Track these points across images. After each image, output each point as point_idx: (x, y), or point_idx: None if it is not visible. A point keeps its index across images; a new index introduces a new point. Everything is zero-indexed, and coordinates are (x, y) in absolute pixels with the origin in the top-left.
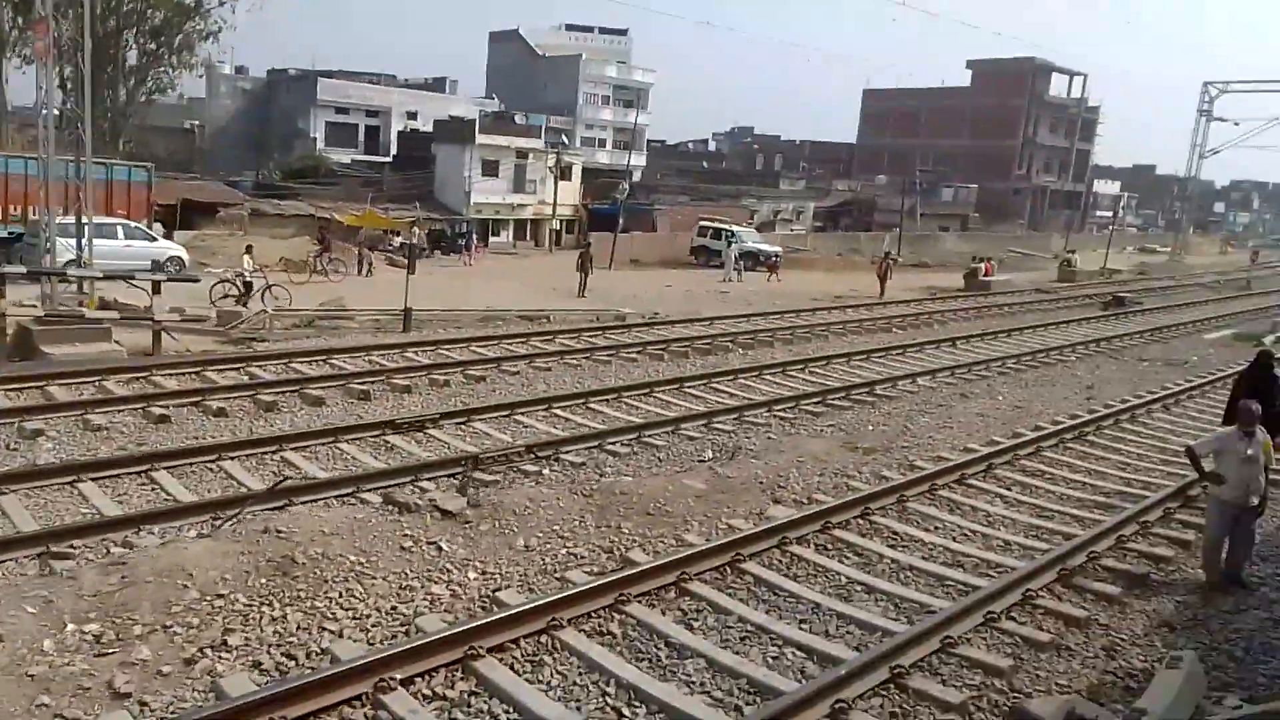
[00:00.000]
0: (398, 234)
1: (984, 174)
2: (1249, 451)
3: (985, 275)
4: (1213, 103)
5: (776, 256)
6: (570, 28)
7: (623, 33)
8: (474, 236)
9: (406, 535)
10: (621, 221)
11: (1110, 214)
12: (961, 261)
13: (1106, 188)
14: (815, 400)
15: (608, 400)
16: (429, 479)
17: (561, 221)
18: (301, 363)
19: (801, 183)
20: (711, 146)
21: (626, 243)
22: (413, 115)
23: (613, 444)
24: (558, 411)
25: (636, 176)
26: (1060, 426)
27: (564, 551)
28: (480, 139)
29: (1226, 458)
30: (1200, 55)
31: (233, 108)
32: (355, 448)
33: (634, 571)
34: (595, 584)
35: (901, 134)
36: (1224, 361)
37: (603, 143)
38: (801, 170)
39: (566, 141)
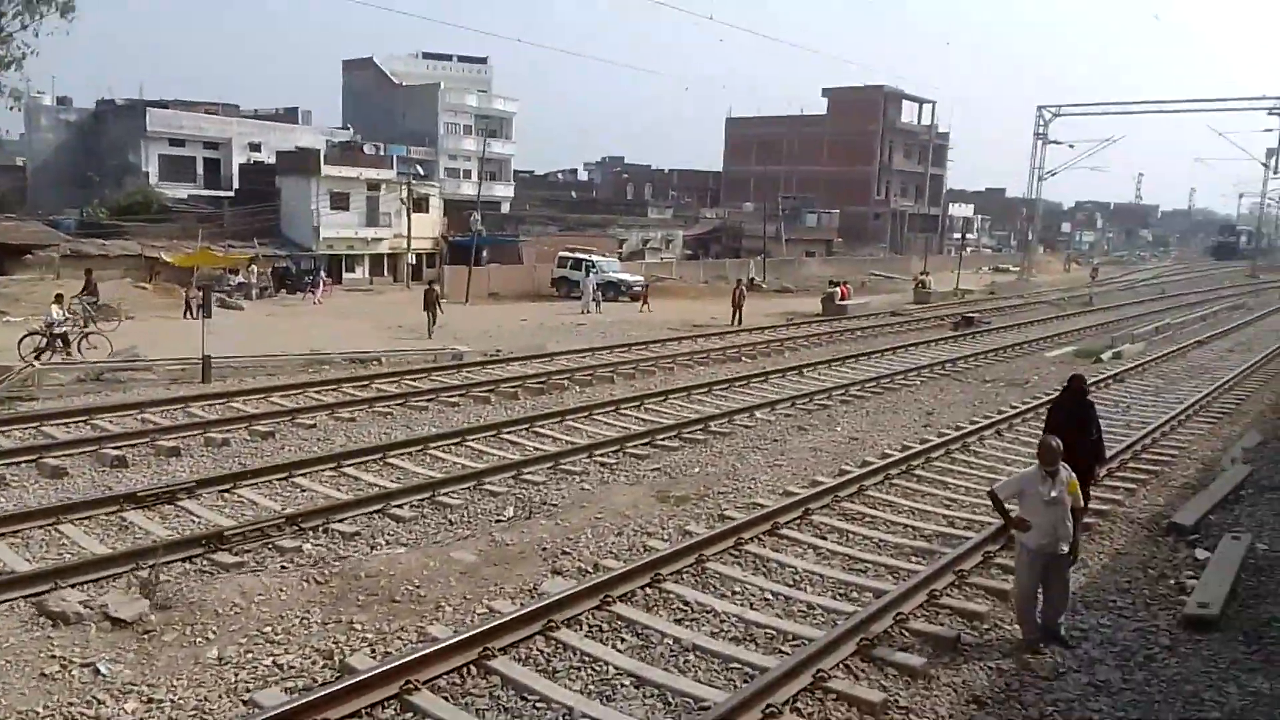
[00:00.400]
0: (237, 272)
1: (845, 199)
2: (1052, 493)
3: (842, 299)
4: (1047, 126)
5: (640, 286)
6: (428, 56)
7: (482, 61)
8: (323, 273)
9: (55, 657)
10: (484, 254)
11: (963, 236)
12: (824, 286)
13: (961, 210)
14: (643, 441)
15: (410, 453)
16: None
17: (420, 255)
18: (55, 425)
19: (669, 211)
20: (584, 176)
21: (485, 276)
22: (256, 147)
23: (399, 506)
24: (348, 470)
25: (505, 208)
26: (889, 460)
27: (268, 662)
28: (327, 170)
29: (1029, 501)
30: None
31: (56, 141)
32: (80, 530)
33: (344, 686)
34: (287, 707)
35: (765, 161)
36: (1063, 379)
37: (467, 173)
38: (670, 199)
39: (422, 172)
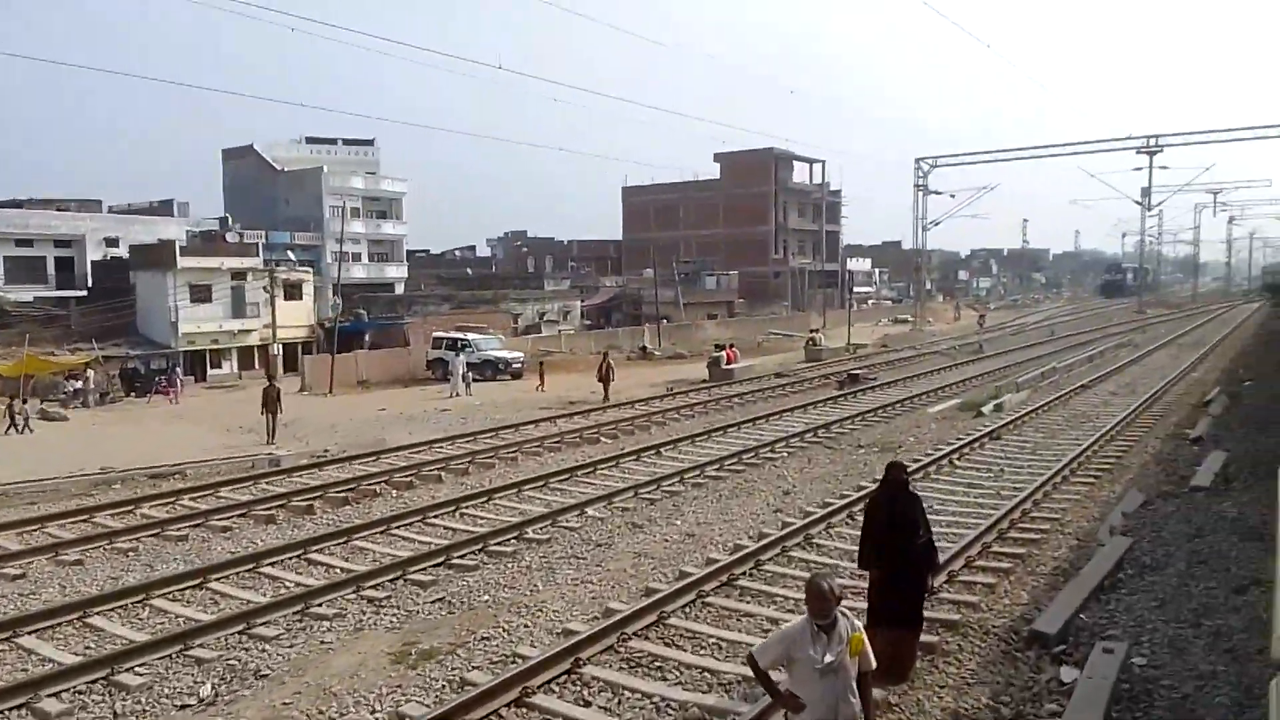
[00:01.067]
0: (77, 377)
1: (745, 260)
2: (828, 658)
3: (728, 363)
4: (927, 177)
5: (519, 363)
6: (311, 140)
7: (369, 143)
8: (177, 371)
9: None
10: (367, 338)
11: (867, 289)
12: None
13: (859, 264)
14: (435, 563)
15: (125, 607)
16: None
17: (295, 344)
18: None
19: (566, 282)
20: (487, 252)
21: (354, 363)
22: (113, 242)
23: (53, 694)
24: (22, 641)
25: (399, 288)
26: (712, 567)
27: None
28: (185, 262)
29: (800, 669)
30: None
31: None
32: None
33: None
34: None
35: (664, 227)
36: (940, 439)
37: (357, 256)
38: (570, 269)
39: (293, 257)
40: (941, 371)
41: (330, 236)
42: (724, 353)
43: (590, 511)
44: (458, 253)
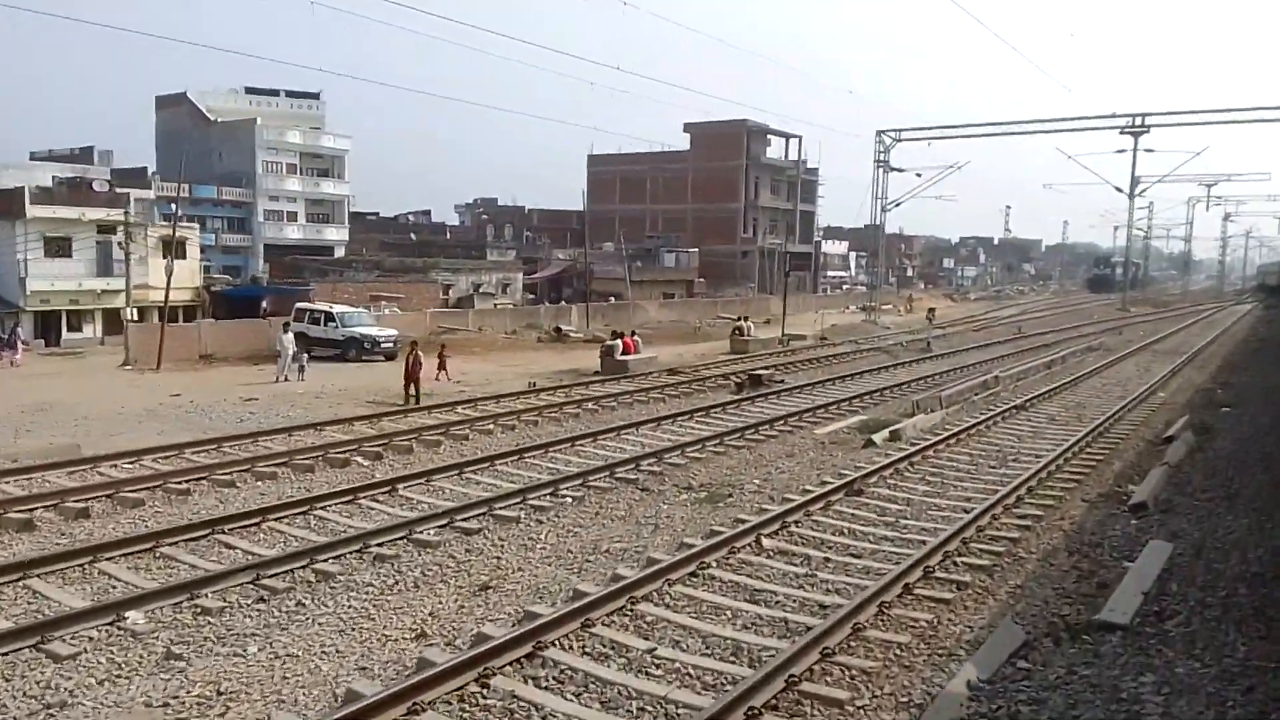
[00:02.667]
0: None
1: (712, 237)
2: None
3: (625, 353)
4: (889, 151)
5: (391, 342)
6: (251, 91)
7: (314, 96)
8: (18, 332)
9: None
10: (265, 304)
11: (841, 274)
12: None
13: (835, 247)
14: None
15: None
16: None
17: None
18: None
19: (512, 252)
20: (455, 219)
21: (197, 334)
22: None
23: None
24: None
25: (339, 252)
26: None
27: None
28: (37, 211)
29: None
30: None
31: None
32: None
33: None
34: None
35: (630, 199)
36: (793, 482)
37: (293, 216)
38: (526, 239)
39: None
40: (868, 375)
41: (263, 194)
42: (619, 341)
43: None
44: (411, 217)
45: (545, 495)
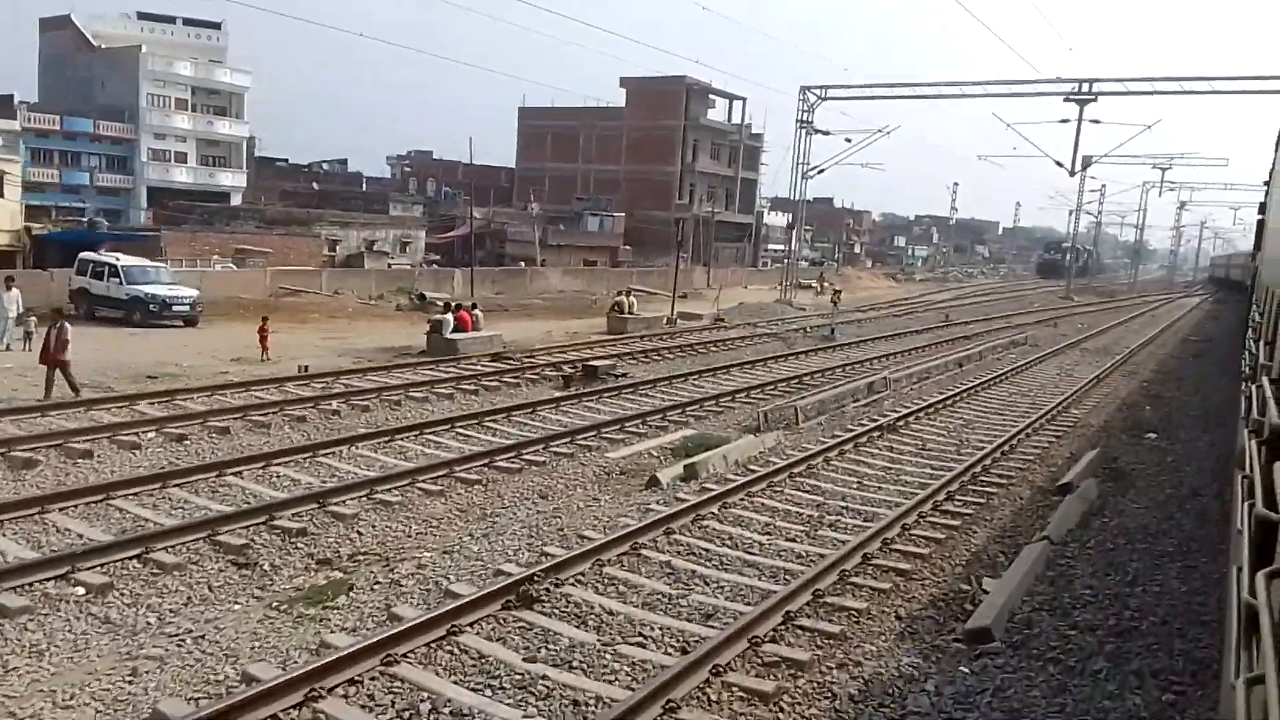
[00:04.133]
0: None
1: (645, 202)
2: None
3: (460, 330)
4: (813, 111)
5: (186, 303)
6: (144, 16)
7: (215, 26)
8: None
9: None
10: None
11: (783, 247)
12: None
13: (778, 219)
14: None
15: None
16: None
17: None
18: None
19: (419, 208)
20: (386, 173)
21: None
22: None
23: None
24: None
25: (236, 199)
26: None
27: None
28: None
29: None
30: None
31: None
32: None
33: None
34: None
35: (561, 158)
36: (490, 564)
37: (182, 156)
38: (444, 195)
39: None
40: (741, 369)
41: (147, 130)
42: (448, 316)
43: None
44: (325, 165)
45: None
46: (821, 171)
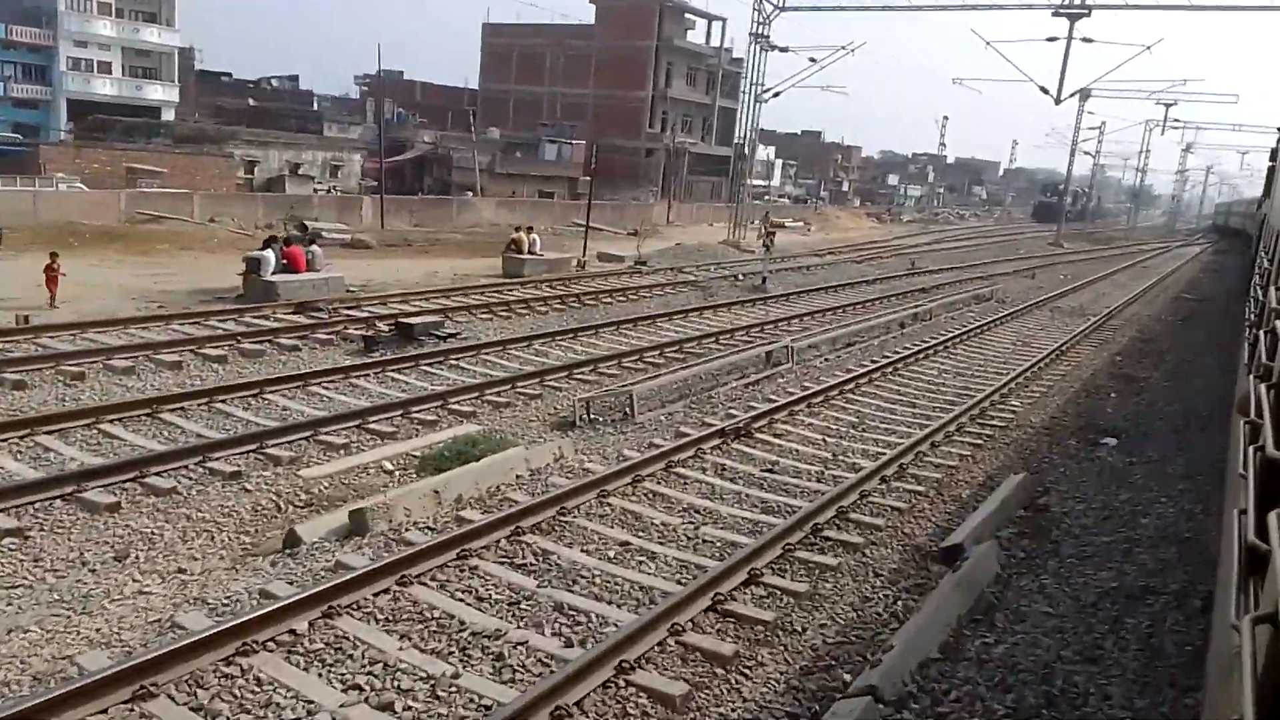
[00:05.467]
0: None
1: (614, 130)
2: None
3: (292, 269)
4: (769, 23)
5: None
6: None
7: None
8: None
9: None
10: None
11: (763, 183)
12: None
13: (760, 153)
14: None
15: None
16: None
17: None
18: None
19: (357, 129)
20: (355, 92)
21: None
22: None
23: None
24: None
25: (168, 115)
26: None
27: None
28: None
29: None
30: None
31: None
32: None
33: None
34: None
35: (526, 79)
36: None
37: (106, 66)
38: (395, 117)
39: None
40: (616, 330)
41: (66, 37)
42: (269, 253)
43: None
44: (274, 82)
45: None
46: (777, 94)
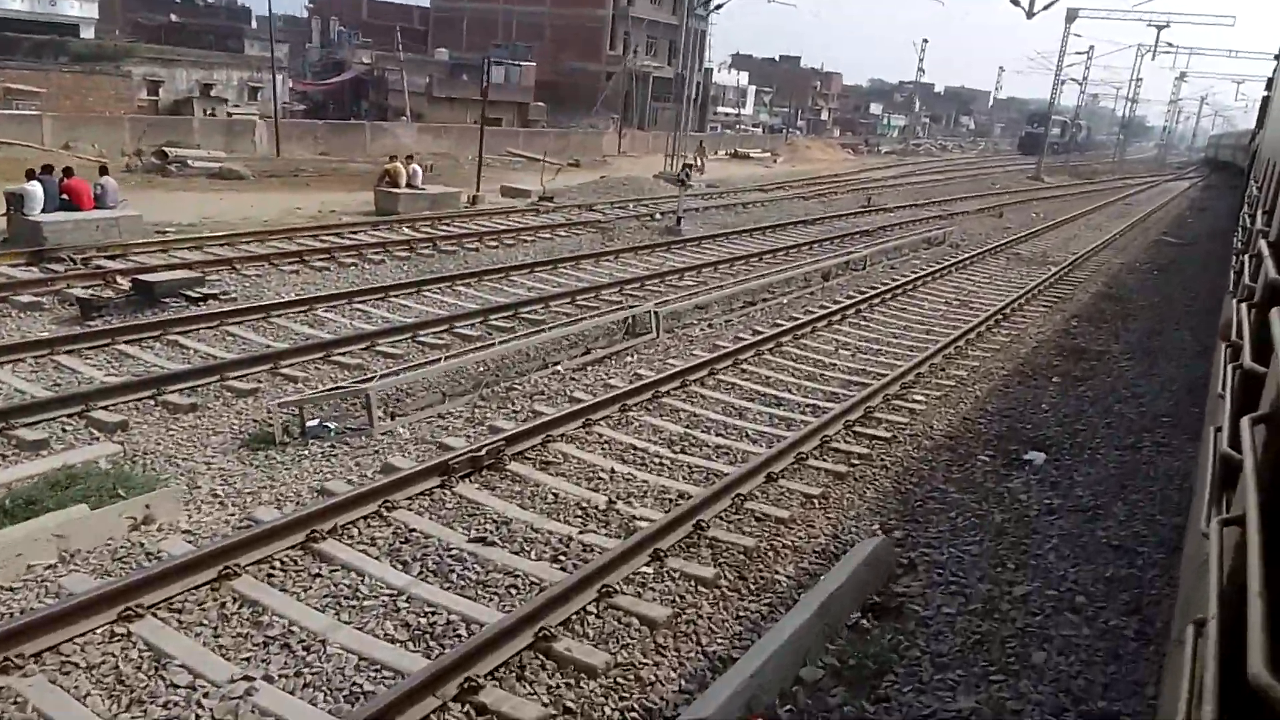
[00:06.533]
0: None
1: (571, 52)
2: None
3: (74, 206)
4: None
5: None
6: None
7: None
8: None
9: None
10: None
11: (734, 111)
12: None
13: (730, 78)
14: None
15: None
16: None
17: None
18: None
19: (285, 46)
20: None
21: None
22: None
23: None
24: None
25: (87, 32)
26: None
27: None
28: None
29: None
30: None
31: None
32: None
33: None
34: None
35: None
36: None
37: None
38: (338, 36)
39: None
40: (450, 287)
41: None
42: (39, 184)
43: None
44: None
45: None
46: (719, 6)
